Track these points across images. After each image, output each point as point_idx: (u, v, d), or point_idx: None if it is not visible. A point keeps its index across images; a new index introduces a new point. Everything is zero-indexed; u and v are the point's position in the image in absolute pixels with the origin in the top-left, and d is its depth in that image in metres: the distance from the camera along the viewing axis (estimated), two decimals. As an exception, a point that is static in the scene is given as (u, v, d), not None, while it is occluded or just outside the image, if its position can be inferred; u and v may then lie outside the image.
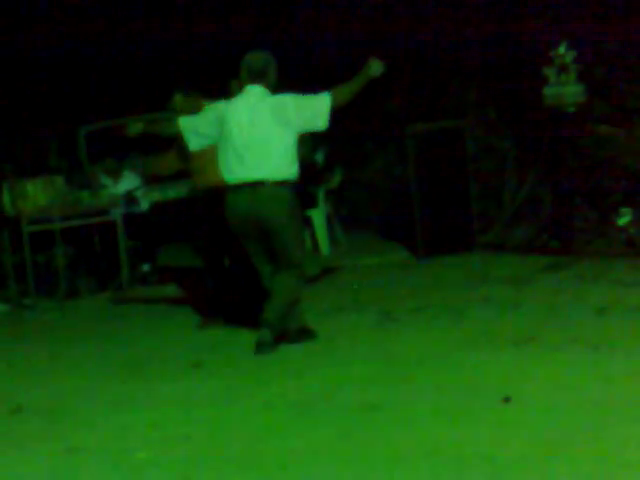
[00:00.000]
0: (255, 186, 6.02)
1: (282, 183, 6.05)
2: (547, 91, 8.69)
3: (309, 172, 10.59)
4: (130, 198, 9.68)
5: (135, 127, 6.64)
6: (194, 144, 6.35)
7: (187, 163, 7.06)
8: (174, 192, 11.87)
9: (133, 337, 7.11)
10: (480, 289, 7.47)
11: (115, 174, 9.97)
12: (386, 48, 8.69)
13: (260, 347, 6.03)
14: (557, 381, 4.91)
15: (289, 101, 6.07)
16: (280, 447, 4.27)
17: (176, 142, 6.81)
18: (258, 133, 6.04)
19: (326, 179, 10.63)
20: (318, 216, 10.32)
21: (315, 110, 6.04)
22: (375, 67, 6.02)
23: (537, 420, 4.31)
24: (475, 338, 5.96)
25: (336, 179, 10.72)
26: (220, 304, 7.07)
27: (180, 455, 4.30)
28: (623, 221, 8.63)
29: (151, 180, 10.03)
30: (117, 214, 9.28)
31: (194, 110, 6.56)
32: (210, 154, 6.41)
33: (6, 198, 9.59)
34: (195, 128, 6.28)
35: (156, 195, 10.94)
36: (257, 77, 6.13)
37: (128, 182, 9.96)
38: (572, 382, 4.86)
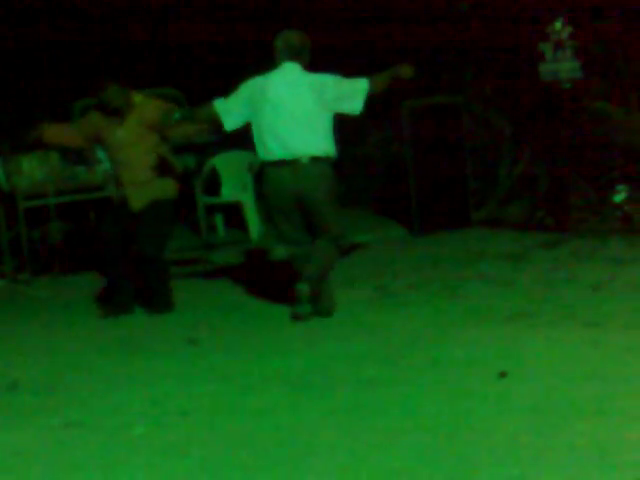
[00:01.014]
0: (296, 162, 6.08)
1: (321, 159, 6.12)
2: (543, 67, 8.68)
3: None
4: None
5: (169, 115, 6.57)
6: (229, 124, 6.30)
7: (88, 144, 7.30)
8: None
9: (126, 314, 7.10)
10: (476, 266, 7.49)
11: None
12: (381, 24, 8.67)
13: (299, 302, 6.11)
14: (553, 357, 4.93)
15: (328, 80, 6.12)
16: (277, 423, 4.28)
17: (82, 119, 7.05)
18: (298, 109, 6.07)
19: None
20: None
21: (352, 93, 6.11)
22: (406, 70, 6.08)
23: (533, 395, 4.33)
24: (471, 314, 5.98)
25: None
26: (118, 294, 6.99)
27: (177, 431, 4.32)
28: (619, 198, 8.65)
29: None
30: (112, 189, 9.26)
31: (125, 102, 6.74)
32: (134, 148, 6.69)
33: (1, 174, 9.57)
34: (229, 108, 6.25)
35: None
36: (294, 54, 6.15)
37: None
38: (567, 358, 4.88)
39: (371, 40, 10.31)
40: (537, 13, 8.87)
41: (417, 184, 9.27)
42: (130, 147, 6.80)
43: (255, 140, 6.23)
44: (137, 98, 6.86)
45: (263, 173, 6.28)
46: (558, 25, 8.58)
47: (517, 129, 9.55)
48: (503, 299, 6.33)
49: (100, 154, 9.95)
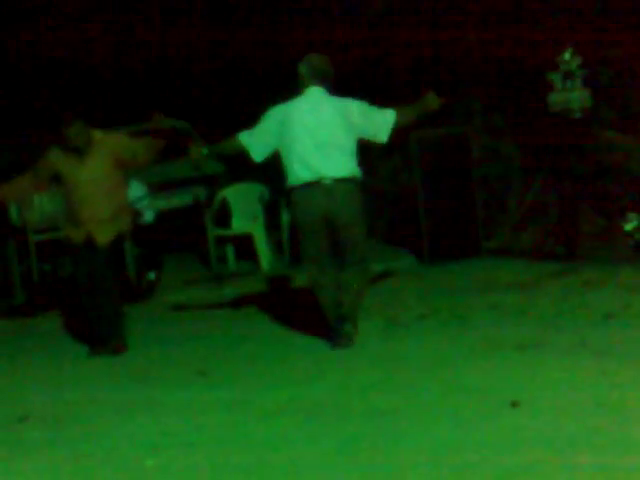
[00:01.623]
0: (325, 183, 6.13)
1: (349, 179, 6.19)
2: (552, 97, 8.70)
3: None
4: (133, 210, 9.67)
5: (198, 152, 6.57)
6: (258, 155, 6.34)
7: (42, 186, 7.18)
8: (179, 200, 11.93)
9: (137, 345, 7.10)
10: (486, 295, 7.47)
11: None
12: (391, 53, 8.71)
13: (346, 339, 6.13)
14: (564, 386, 4.90)
15: (354, 107, 6.21)
16: (287, 454, 4.26)
17: (41, 160, 6.93)
18: (325, 132, 6.14)
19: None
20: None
21: (379, 122, 6.21)
22: (432, 101, 6.18)
23: (544, 425, 4.30)
24: (482, 344, 5.95)
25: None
26: (101, 332, 6.87)
27: (188, 462, 4.30)
28: (630, 227, 8.63)
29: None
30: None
31: (87, 140, 6.71)
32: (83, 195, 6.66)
33: (12, 208, 9.61)
34: (256, 139, 6.29)
35: (161, 203, 10.98)
36: (320, 78, 6.22)
37: (134, 191, 9.97)
38: (579, 387, 4.85)
39: (386, 73, 10.39)
40: (546, 43, 8.91)
41: (427, 214, 9.28)
42: (93, 184, 6.72)
43: (284, 165, 6.26)
44: (97, 135, 6.81)
45: (292, 197, 6.30)
46: (567, 55, 8.61)
47: (527, 158, 9.56)
48: (514, 328, 6.31)
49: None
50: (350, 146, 6.18)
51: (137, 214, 9.78)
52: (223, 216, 10.57)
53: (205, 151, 6.52)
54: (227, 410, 5.08)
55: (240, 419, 4.89)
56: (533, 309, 6.83)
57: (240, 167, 12.20)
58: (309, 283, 6.44)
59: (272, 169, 11.37)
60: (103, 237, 6.75)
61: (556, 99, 8.69)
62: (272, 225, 10.66)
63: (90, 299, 6.80)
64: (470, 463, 3.91)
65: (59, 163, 6.85)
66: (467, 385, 5.08)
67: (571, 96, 8.65)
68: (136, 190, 10.00)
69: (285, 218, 10.51)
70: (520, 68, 9.22)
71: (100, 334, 6.83)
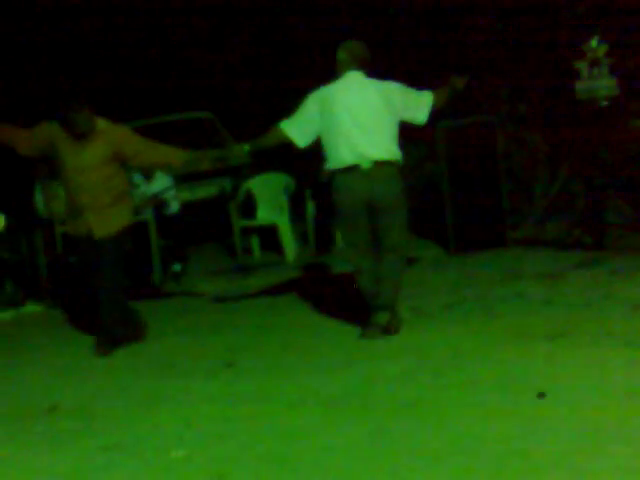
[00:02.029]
0: (369, 166, 6.12)
1: (392, 163, 6.19)
2: (579, 85, 8.63)
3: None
4: (159, 201, 9.71)
5: (240, 151, 6.53)
6: (302, 142, 6.31)
7: (34, 152, 6.74)
8: (204, 191, 11.95)
9: (164, 336, 7.13)
10: (513, 285, 7.43)
11: (148, 175, 10.02)
12: (416, 42, 8.68)
13: (379, 329, 6.15)
14: (591, 377, 4.87)
15: (395, 88, 6.25)
16: (314, 445, 4.27)
17: (38, 127, 6.63)
18: (369, 115, 6.15)
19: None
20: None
21: (418, 104, 6.26)
22: (457, 81, 6.26)
23: (572, 415, 4.28)
24: (508, 334, 5.93)
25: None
26: (109, 329, 6.73)
27: (215, 453, 4.31)
28: (657, 215, 8.56)
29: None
30: (149, 214, 9.33)
31: (92, 127, 6.52)
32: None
33: (39, 199, 9.68)
34: (298, 126, 6.27)
35: (186, 195, 11.01)
36: (359, 63, 6.23)
37: (160, 182, 10.00)
38: (606, 377, 4.82)
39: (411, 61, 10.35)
40: (573, 31, 8.84)
41: (452, 204, 9.24)
42: (91, 171, 6.53)
43: (325, 149, 6.25)
44: (101, 123, 6.63)
45: (334, 181, 6.28)
46: (594, 43, 8.54)
47: (553, 148, 9.50)
48: (541, 318, 6.28)
49: (136, 178, 10.06)
50: (392, 128, 6.20)
51: (162, 205, 9.81)
52: (248, 207, 10.58)
53: (247, 148, 6.48)
54: (254, 400, 5.09)
55: (267, 409, 4.90)
56: (560, 299, 6.79)
57: (265, 158, 12.23)
58: (350, 268, 6.43)
59: (297, 159, 11.41)
60: (100, 231, 6.58)
61: (582, 87, 8.63)
62: (297, 216, 10.66)
63: (95, 293, 6.66)
64: (497, 454, 3.90)
65: (58, 139, 6.57)
66: (493, 376, 5.07)
67: (597, 84, 8.58)
68: (161, 181, 10.03)
69: (310, 209, 10.51)
70: (546, 56, 9.15)
71: (106, 331, 6.70)
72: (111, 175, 6.61)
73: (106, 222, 6.59)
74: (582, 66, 8.60)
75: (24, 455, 4.58)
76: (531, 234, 9.36)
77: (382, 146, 6.15)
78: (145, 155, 6.68)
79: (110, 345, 6.68)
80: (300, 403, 4.94)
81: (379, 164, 6.12)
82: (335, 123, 6.15)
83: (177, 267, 9.73)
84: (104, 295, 6.61)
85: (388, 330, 6.19)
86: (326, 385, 5.23)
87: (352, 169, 6.13)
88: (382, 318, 6.17)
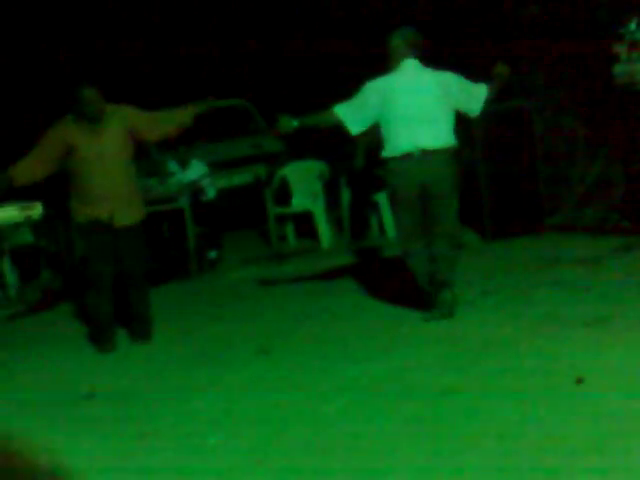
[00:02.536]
0: (428, 153, 6.17)
1: (448, 150, 6.26)
2: (617, 69, 8.52)
3: (375, 156, 10.58)
4: (196, 188, 9.74)
5: (288, 123, 6.39)
6: (355, 128, 6.35)
7: (53, 166, 6.50)
8: (239, 179, 11.97)
9: (200, 323, 7.16)
10: (550, 271, 7.37)
11: (184, 162, 10.06)
12: (452, 27, 8.61)
13: (446, 308, 6.18)
14: (630, 363, 4.81)
15: (452, 78, 6.29)
16: (350, 431, 4.26)
17: (39, 145, 6.44)
18: (428, 104, 6.19)
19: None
20: (384, 199, 10.27)
21: (473, 94, 6.31)
22: (503, 69, 6.29)
23: (611, 401, 4.24)
24: (545, 320, 5.88)
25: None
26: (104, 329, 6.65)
27: (250, 439, 4.32)
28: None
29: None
30: (185, 201, 9.36)
31: (103, 109, 6.43)
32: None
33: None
34: (353, 112, 6.29)
35: (222, 182, 11.03)
36: (414, 50, 6.26)
37: (195, 170, 10.03)
38: (647, 364, 4.77)
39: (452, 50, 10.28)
40: (612, 14, 8.72)
41: (489, 190, 9.17)
42: (111, 157, 6.41)
43: (383, 136, 6.28)
44: (109, 107, 6.49)
45: (390, 167, 6.30)
46: (632, 26, 8.43)
47: (591, 132, 9.39)
48: (579, 304, 6.21)
49: (172, 166, 10.09)
50: (448, 117, 6.25)
51: (199, 192, 9.84)
52: (283, 194, 10.58)
53: (295, 123, 6.43)
54: (289, 388, 5.10)
55: (302, 397, 4.90)
56: (598, 285, 6.72)
57: (300, 145, 12.22)
58: (402, 254, 6.43)
59: (331, 147, 11.37)
60: (124, 218, 6.49)
61: (621, 71, 8.51)
62: (332, 203, 10.64)
63: (104, 292, 6.54)
64: (534, 440, 3.87)
65: (72, 135, 6.40)
66: (530, 362, 5.03)
67: (636, 68, 8.46)
68: (197, 169, 10.05)
69: (345, 196, 10.48)
70: (584, 40, 9.04)
71: (106, 333, 6.61)
72: (128, 163, 6.55)
73: (127, 211, 6.53)
74: (621, 49, 8.48)
75: (63, 441, 4.62)
76: (569, 220, 9.26)
77: (440, 134, 6.21)
78: (158, 124, 6.65)
79: (112, 340, 6.61)
80: (336, 390, 4.94)
81: (436, 152, 6.18)
82: (395, 112, 6.18)
83: (213, 254, 9.75)
84: (134, 285, 6.62)
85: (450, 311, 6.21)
86: (362, 372, 5.22)
87: (409, 156, 6.18)
88: (446, 295, 6.19)
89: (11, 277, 9.24)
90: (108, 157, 6.42)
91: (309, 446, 4.14)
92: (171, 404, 5.05)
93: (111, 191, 6.44)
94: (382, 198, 10.27)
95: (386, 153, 6.31)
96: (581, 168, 9.50)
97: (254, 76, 13.87)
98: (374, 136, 10.61)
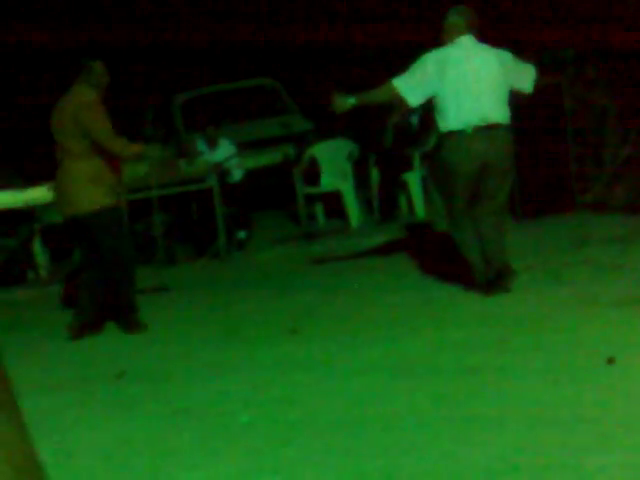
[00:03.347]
0: (491, 128, 6.19)
1: (507, 126, 6.30)
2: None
3: (405, 135, 10.52)
4: (222, 169, 9.74)
5: (344, 103, 6.28)
6: (414, 100, 6.29)
7: None
8: (268, 159, 11.97)
9: (229, 303, 7.18)
10: (581, 250, 7.31)
11: (212, 142, 10.07)
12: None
13: (506, 282, 6.24)
14: (663, 343, 4.78)
15: (508, 56, 6.34)
16: (379, 410, 4.26)
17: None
18: (488, 79, 6.21)
19: (421, 142, 10.53)
20: (414, 179, 10.24)
21: (525, 73, 6.39)
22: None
23: (643, 382, 4.20)
24: (576, 299, 5.84)
25: (431, 142, 10.61)
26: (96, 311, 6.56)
27: (281, 418, 4.33)
28: None
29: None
30: (214, 181, 9.37)
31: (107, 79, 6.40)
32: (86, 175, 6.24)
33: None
34: (412, 84, 6.23)
35: (250, 162, 11.03)
36: (472, 28, 6.27)
37: (224, 150, 10.04)
38: (679, 344, 4.72)
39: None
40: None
41: (519, 168, 9.09)
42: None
43: (440, 110, 6.24)
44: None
45: (447, 142, 6.27)
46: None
47: (622, 109, 9.29)
48: (610, 284, 6.16)
49: (200, 146, 10.10)
50: (505, 93, 6.27)
51: (226, 173, 9.85)
52: (312, 174, 10.57)
53: (352, 101, 6.32)
54: (319, 367, 5.10)
55: (332, 375, 4.91)
56: (629, 265, 6.66)
57: (329, 124, 12.18)
58: (452, 232, 6.40)
59: (361, 126, 11.32)
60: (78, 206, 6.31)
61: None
62: (361, 182, 10.62)
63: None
64: (564, 420, 3.85)
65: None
66: (561, 342, 5.00)
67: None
68: (225, 149, 10.06)
69: (374, 175, 10.45)
70: (616, 14, 8.93)
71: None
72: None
73: (83, 199, 6.37)
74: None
75: (94, 419, 4.66)
76: (600, 198, 9.18)
77: (500, 109, 6.23)
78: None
79: (81, 326, 6.52)
80: (365, 369, 4.94)
81: (497, 126, 6.20)
82: (452, 87, 6.16)
83: (242, 234, 9.77)
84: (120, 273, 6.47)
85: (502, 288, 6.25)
86: (391, 352, 5.22)
87: (475, 131, 6.15)
88: (509, 281, 6.25)
89: (42, 257, 9.31)
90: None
91: (338, 424, 4.14)
92: (201, 383, 5.07)
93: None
94: (411, 177, 10.23)
95: (447, 126, 6.23)
96: (612, 146, 9.41)
97: (281, 59, 13.82)
98: (404, 115, 10.60)
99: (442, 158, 6.34)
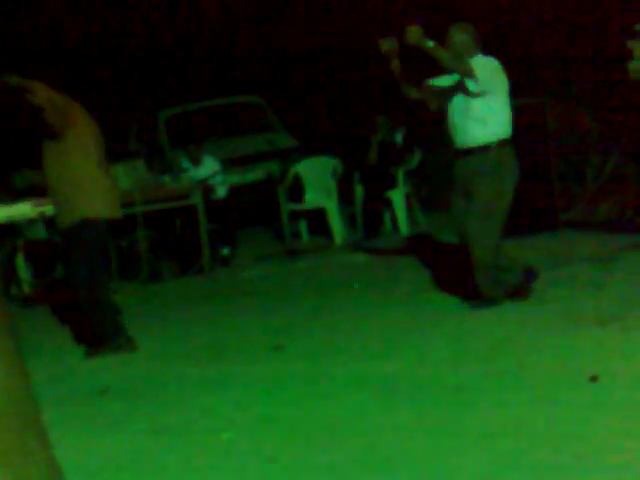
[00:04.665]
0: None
1: None
2: (632, 66, 8.48)
3: (389, 153, 10.57)
4: (205, 186, 9.73)
5: (417, 33, 5.94)
6: (475, 87, 6.11)
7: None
8: (252, 175, 11.98)
9: (213, 320, 7.17)
10: (564, 268, 7.34)
11: (196, 160, 10.07)
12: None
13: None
14: (645, 361, 4.80)
15: None
16: (364, 428, 4.26)
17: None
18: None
19: (405, 160, 10.58)
20: (397, 196, 10.27)
21: None
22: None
23: (625, 400, 4.22)
24: (559, 318, 5.86)
25: (415, 160, 10.66)
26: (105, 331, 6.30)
27: (265, 436, 4.33)
28: None
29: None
30: (198, 198, 9.37)
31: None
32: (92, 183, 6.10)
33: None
34: (485, 77, 6.09)
35: (234, 179, 11.04)
36: (479, 45, 6.24)
37: (208, 167, 10.04)
38: (661, 362, 4.75)
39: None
40: (626, 10, 8.69)
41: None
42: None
43: (500, 119, 6.24)
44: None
45: (503, 153, 6.24)
46: (646, 22, 8.39)
47: (605, 128, 9.36)
48: (592, 302, 6.19)
49: (184, 163, 10.10)
50: None
51: (210, 190, 9.84)
52: (296, 191, 10.58)
53: (430, 43, 5.97)
54: (303, 384, 5.10)
55: (316, 393, 4.91)
56: (611, 283, 6.70)
57: (313, 141, 12.22)
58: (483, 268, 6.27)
59: (344, 143, 11.33)
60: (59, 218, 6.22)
61: (635, 67, 8.47)
62: (345, 200, 10.64)
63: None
64: (547, 438, 3.86)
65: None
66: (543, 360, 5.02)
67: (650, 64, 8.42)
68: (209, 166, 10.06)
69: (359, 192, 10.48)
70: (597, 35, 9.01)
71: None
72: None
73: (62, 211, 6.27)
74: (635, 46, 8.45)
75: (77, 437, 4.63)
76: (582, 216, 9.23)
77: None
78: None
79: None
80: (349, 386, 4.94)
81: None
82: (504, 98, 6.21)
83: (226, 251, 9.76)
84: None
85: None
86: (374, 368, 5.23)
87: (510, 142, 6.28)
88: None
89: (25, 273, 9.27)
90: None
91: (322, 442, 4.14)
92: (185, 400, 5.06)
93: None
94: (395, 194, 10.26)
95: (497, 134, 6.21)
96: (595, 164, 9.47)
97: (266, 74, 13.86)
98: (386, 133, 10.64)
99: (495, 172, 6.21)
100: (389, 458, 3.86)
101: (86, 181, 6.12)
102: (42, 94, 5.88)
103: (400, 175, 10.35)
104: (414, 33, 5.96)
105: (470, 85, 6.07)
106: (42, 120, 5.93)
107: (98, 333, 6.29)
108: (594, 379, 4.51)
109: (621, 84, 8.72)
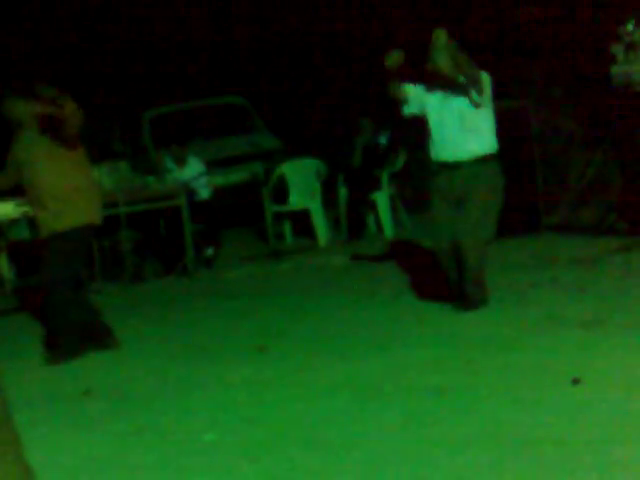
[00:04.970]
0: None
1: None
2: (615, 70, 8.52)
3: (373, 155, 10.58)
4: (189, 189, 9.71)
5: (394, 57, 6.08)
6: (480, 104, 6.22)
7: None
8: (236, 177, 11.97)
9: (197, 321, 7.16)
10: (547, 271, 7.37)
11: (180, 160, 10.05)
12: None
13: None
14: (627, 364, 4.82)
15: None
16: (347, 430, 4.27)
17: (9, 155, 6.27)
18: None
19: (390, 162, 10.59)
20: (382, 198, 10.29)
21: None
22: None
23: (607, 402, 4.24)
24: (542, 321, 5.88)
25: (399, 162, 10.68)
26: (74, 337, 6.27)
27: (247, 437, 4.32)
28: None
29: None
30: (182, 199, 9.35)
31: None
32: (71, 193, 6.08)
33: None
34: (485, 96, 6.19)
35: (219, 180, 11.03)
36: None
37: (193, 168, 10.02)
38: (642, 365, 4.77)
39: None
40: (608, 14, 8.73)
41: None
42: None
43: (486, 130, 6.31)
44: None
45: (496, 166, 6.37)
46: (630, 26, 8.43)
47: (588, 132, 9.40)
48: (575, 305, 6.22)
49: (169, 164, 10.09)
50: None
51: (192, 192, 9.83)
52: (280, 192, 10.58)
53: (399, 58, 6.10)
54: (287, 386, 5.10)
55: (299, 394, 4.90)
56: (595, 286, 6.73)
57: (297, 143, 12.22)
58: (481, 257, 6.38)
59: (328, 145, 11.34)
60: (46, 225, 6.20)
61: (618, 72, 8.52)
62: (329, 201, 10.65)
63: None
64: (529, 441, 3.87)
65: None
66: (526, 362, 5.03)
67: (633, 69, 8.46)
68: (194, 167, 10.04)
69: (342, 194, 10.48)
70: (582, 40, 9.04)
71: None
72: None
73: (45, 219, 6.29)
74: (618, 50, 8.49)
75: (59, 437, 4.62)
76: (565, 220, 9.27)
77: None
78: None
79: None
80: (332, 388, 4.94)
81: None
82: (491, 111, 6.29)
83: (210, 252, 9.75)
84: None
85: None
86: (358, 371, 5.23)
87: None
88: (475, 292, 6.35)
89: (8, 273, 9.23)
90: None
91: (305, 444, 4.14)
92: (168, 401, 5.05)
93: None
94: (379, 196, 10.28)
95: (494, 147, 6.31)
96: (578, 168, 9.51)
97: (250, 74, 13.86)
98: (370, 135, 10.65)
99: (499, 181, 6.41)
100: (373, 461, 3.86)
101: (78, 190, 6.16)
102: (71, 105, 6.10)
103: (384, 177, 10.37)
104: (395, 59, 6.09)
105: (474, 95, 6.09)
106: (64, 130, 6.09)
107: (55, 336, 6.30)
108: (576, 381, 4.53)
109: (604, 88, 8.75)
